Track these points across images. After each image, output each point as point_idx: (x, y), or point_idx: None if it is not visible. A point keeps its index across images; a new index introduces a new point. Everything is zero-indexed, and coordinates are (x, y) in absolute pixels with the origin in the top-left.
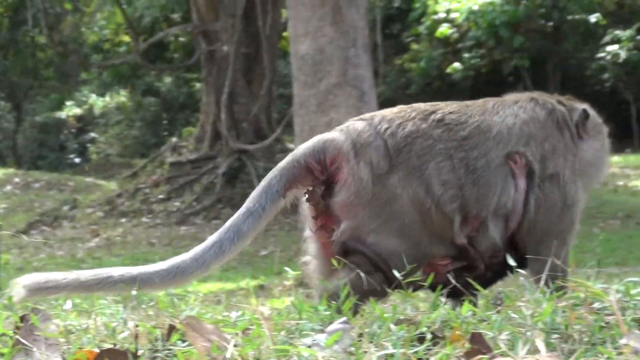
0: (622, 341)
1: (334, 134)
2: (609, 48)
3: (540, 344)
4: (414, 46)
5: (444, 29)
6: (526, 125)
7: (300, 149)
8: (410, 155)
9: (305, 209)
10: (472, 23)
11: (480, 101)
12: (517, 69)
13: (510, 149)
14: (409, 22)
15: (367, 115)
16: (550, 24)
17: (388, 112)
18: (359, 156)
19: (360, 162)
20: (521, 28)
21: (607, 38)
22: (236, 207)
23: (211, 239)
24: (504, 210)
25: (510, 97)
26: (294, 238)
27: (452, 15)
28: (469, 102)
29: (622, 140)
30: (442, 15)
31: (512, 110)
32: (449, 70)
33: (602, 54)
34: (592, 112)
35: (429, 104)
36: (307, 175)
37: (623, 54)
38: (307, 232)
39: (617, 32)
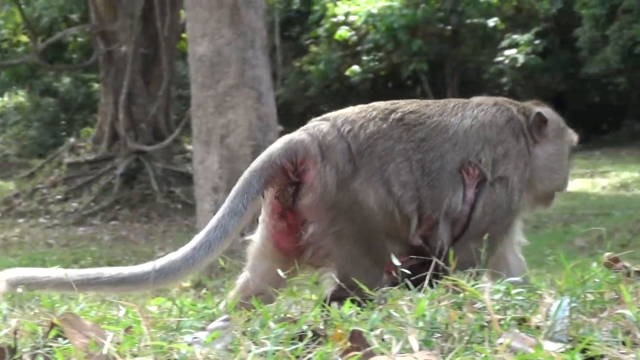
0: (500, 340)
1: (302, 135)
2: (507, 52)
3: (413, 341)
4: (313, 48)
5: (343, 32)
6: (483, 129)
7: (275, 149)
8: (372, 157)
9: (269, 202)
10: (371, 26)
11: (441, 101)
12: (416, 72)
13: (466, 154)
14: (308, 25)
15: (330, 116)
16: (449, 27)
17: (350, 112)
18: (325, 159)
19: (327, 165)
20: (420, 32)
21: (505, 42)
22: (134, 207)
23: (199, 238)
24: (454, 215)
25: (474, 99)
26: (191, 239)
27: (351, 18)
28: (429, 102)
29: None
30: (341, 18)
31: (471, 112)
32: (347, 72)
33: (500, 58)
34: (552, 116)
35: (389, 102)
36: (282, 176)
37: (521, 58)
38: (263, 217)
39: (515, 36)
